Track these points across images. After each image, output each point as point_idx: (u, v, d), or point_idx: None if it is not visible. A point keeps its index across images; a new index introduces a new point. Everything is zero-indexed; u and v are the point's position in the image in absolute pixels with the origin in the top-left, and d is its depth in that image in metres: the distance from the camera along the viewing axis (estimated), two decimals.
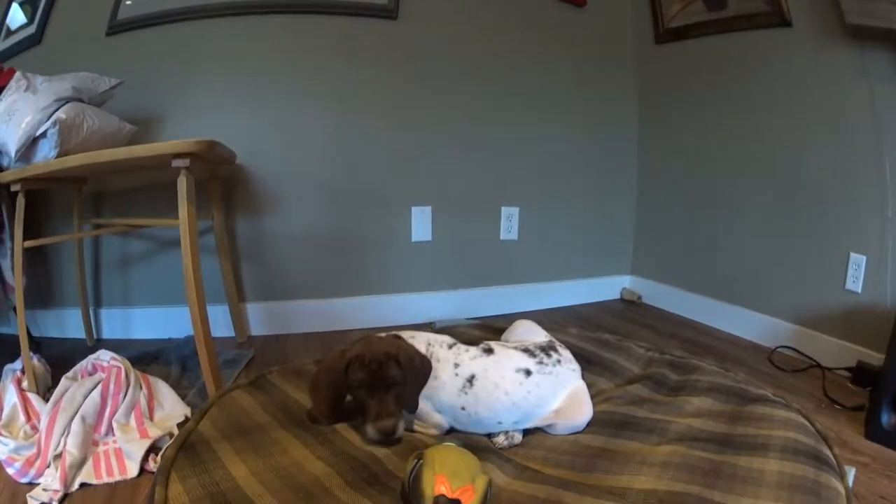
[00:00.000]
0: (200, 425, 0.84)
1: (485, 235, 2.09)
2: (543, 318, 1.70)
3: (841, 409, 1.46)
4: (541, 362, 0.97)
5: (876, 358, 1.44)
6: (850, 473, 1.13)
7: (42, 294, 1.66)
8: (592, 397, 1.01)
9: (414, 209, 1.91)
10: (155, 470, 1.01)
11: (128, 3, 1.57)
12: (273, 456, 0.77)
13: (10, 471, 0.98)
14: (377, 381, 0.88)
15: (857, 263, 1.58)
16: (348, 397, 0.94)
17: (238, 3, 1.62)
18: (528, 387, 0.94)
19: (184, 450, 0.78)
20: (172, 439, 0.93)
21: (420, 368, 0.95)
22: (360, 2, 1.73)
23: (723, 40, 1.97)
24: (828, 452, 0.91)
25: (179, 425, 1.09)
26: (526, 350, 1.00)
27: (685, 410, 1.00)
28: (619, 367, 1.24)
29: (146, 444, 1.00)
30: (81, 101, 1.29)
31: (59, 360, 1.31)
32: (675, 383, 1.15)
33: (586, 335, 1.43)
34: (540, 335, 1.14)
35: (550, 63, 2.08)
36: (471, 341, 1.02)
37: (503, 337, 1.18)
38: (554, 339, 1.09)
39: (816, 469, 0.83)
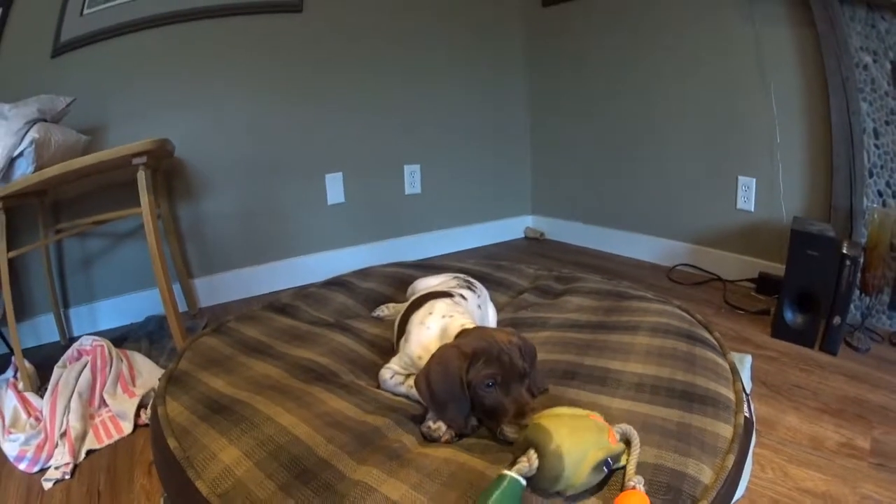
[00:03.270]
0: (180, 364, 1.08)
1: (391, 192, 2.55)
2: (452, 259, 2.03)
3: (744, 313, 1.75)
4: (471, 288, 1.18)
5: (777, 268, 1.73)
6: (746, 360, 1.39)
7: (15, 308, 1.83)
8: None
9: (327, 176, 2.33)
10: (147, 421, 1.23)
11: (71, 23, 1.77)
12: (242, 372, 1.02)
13: (23, 465, 1.15)
14: (509, 374, 0.80)
15: (747, 185, 1.88)
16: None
17: (163, 14, 1.88)
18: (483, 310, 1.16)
19: (171, 381, 1.02)
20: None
21: (534, 350, 0.91)
22: (270, 1, 2.04)
23: None
24: (707, 335, 1.13)
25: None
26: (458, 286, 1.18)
27: (566, 308, 1.27)
28: (511, 283, 1.52)
29: (135, 401, 1.26)
30: (45, 120, 1.50)
31: (42, 363, 1.49)
32: (559, 290, 1.42)
33: (483, 262, 1.74)
34: (440, 279, 1.29)
35: (444, 32, 2.49)
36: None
37: (409, 292, 1.33)
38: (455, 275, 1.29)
39: (690, 344, 1.06)
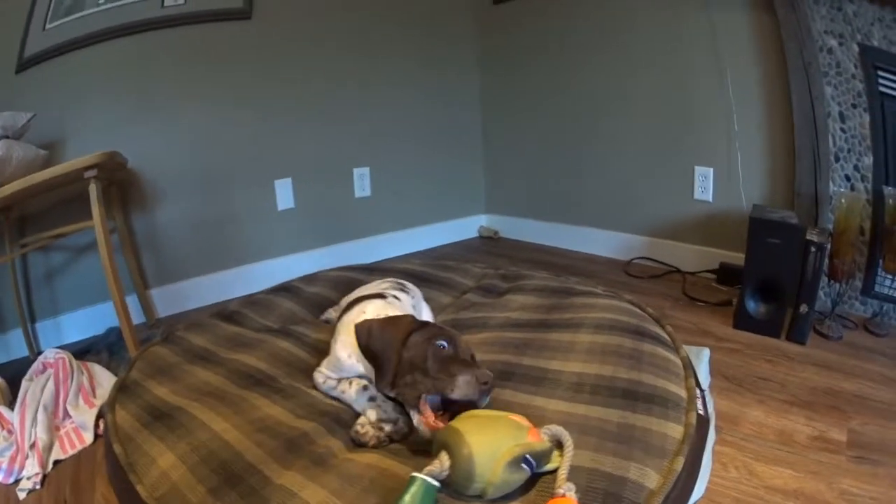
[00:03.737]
0: (130, 374, 1.12)
1: (341, 196, 2.52)
2: (402, 261, 2.03)
3: (704, 305, 1.72)
4: (404, 290, 1.20)
5: (738, 258, 1.70)
6: (704, 353, 1.37)
7: None
8: (433, 310, 1.30)
9: (276, 182, 2.32)
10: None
11: (35, 38, 1.78)
12: (185, 380, 1.05)
13: None
14: (458, 339, 0.84)
15: (704, 175, 1.88)
16: None
17: (113, 27, 1.88)
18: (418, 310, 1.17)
19: (121, 390, 1.06)
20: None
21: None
22: (220, 9, 2.04)
23: None
24: (658, 330, 1.12)
25: None
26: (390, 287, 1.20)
27: (508, 307, 1.27)
28: (456, 283, 1.52)
29: (94, 412, 1.28)
30: (7, 136, 1.52)
31: (14, 378, 1.46)
32: (504, 289, 1.42)
33: (428, 262, 1.75)
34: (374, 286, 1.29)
35: (393, 33, 2.50)
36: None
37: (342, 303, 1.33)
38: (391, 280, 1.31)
39: (637, 341, 1.04)
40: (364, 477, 0.74)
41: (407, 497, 0.66)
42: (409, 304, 1.14)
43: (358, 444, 0.84)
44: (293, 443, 0.82)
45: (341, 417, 0.90)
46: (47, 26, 1.79)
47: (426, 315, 1.23)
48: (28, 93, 1.77)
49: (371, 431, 0.84)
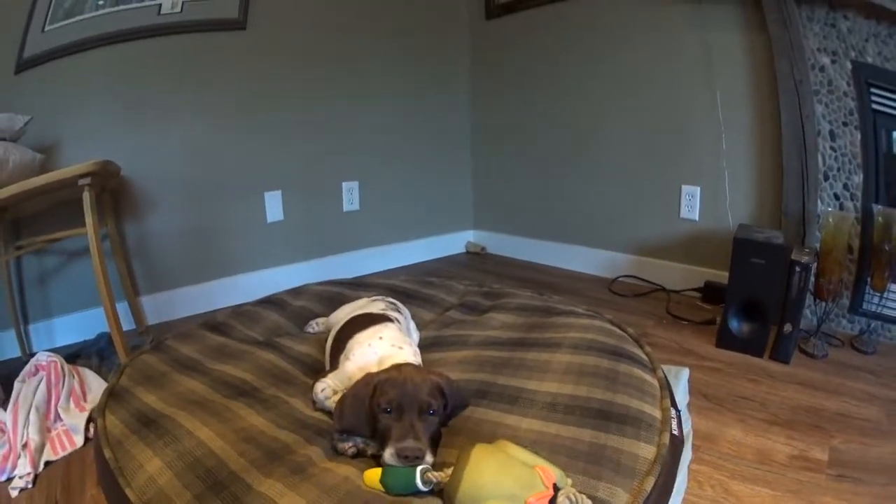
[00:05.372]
0: (120, 380, 1.16)
1: (330, 209, 2.59)
2: (387, 276, 2.11)
3: (688, 323, 1.75)
4: (398, 310, 1.23)
5: (723, 277, 1.73)
6: (683, 374, 1.39)
7: None
8: (417, 327, 1.32)
9: (266, 194, 2.39)
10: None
11: (34, 39, 1.82)
12: (173, 388, 1.10)
13: None
14: (409, 401, 0.83)
15: (691, 194, 1.91)
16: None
17: (111, 33, 1.93)
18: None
19: (111, 396, 1.10)
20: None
21: (463, 398, 0.95)
22: (215, 19, 2.10)
23: (553, 7, 2.31)
24: (637, 351, 1.15)
25: None
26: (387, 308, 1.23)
27: (489, 325, 1.31)
28: (439, 300, 1.56)
29: (85, 415, 1.35)
30: (4, 139, 1.57)
31: (7, 378, 1.50)
32: (486, 307, 1.46)
33: (412, 278, 1.78)
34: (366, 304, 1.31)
35: (386, 49, 2.57)
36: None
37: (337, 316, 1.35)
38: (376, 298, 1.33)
39: (614, 361, 1.07)
40: (341, 488, 0.77)
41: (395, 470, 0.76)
42: (406, 325, 1.18)
43: (338, 453, 0.88)
44: (274, 452, 0.86)
45: (322, 429, 0.94)
46: (46, 28, 1.84)
47: (414, 335, 1.26)
48: (26, 94, 1.82)
49: (350, 441, 0.88)
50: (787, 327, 1.51)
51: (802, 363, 1.51)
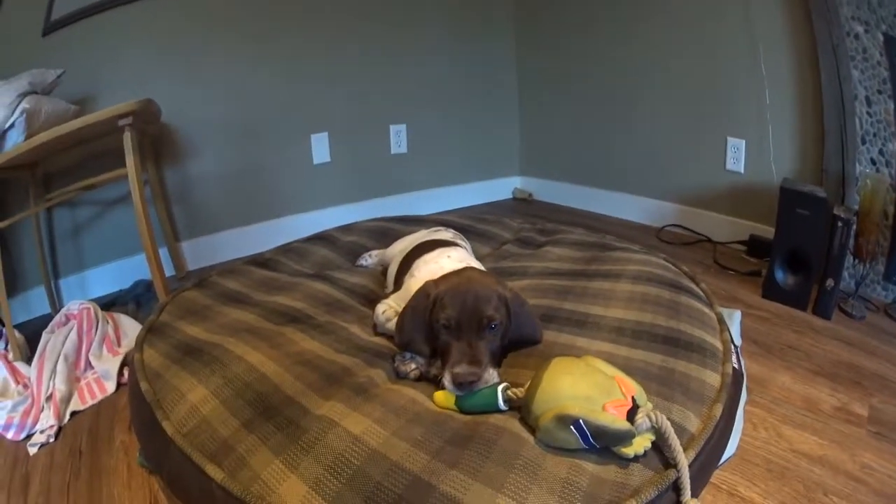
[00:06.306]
0: (160, 317, 1.08)
1: (377, 152, 2.53)
2: (441, 215, 2.02)
3: (734, 273, 1.72)
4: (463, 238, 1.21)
5: (768, 231, 1.70)
6: (735, 315, 1.35)
7: (6, 283, 1.84)
8: None
9: (313, 136, 2.33)
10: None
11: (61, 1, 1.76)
12: (219, 319, 1.02)
13: (9, 434, 1.16)
14: (468, 317, 0.77)
15: (737, 147, 1.87)
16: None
17: None
18: None
19: (150, 331, 1.02)
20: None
21: (533, 326, 0.87)
22: None
23: None
24: (692, 285, 1.12)
25: None
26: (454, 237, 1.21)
27: (547, 258, 1.27)
28: (495, 234, 1.52)
29: (118, 360, 1.27)
30: (36, 92, 1.51)
31: (33, 335, 1.46)
32: (541, 242, 1.41)
33: (466, 215, 1.74)
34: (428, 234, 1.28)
35: None
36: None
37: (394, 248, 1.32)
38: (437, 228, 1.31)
39: (674, 293, 1.03)
40: (409, 410, 0.72)
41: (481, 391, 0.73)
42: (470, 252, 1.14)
43: (400, 377, 0.82)
44: (334, 376, 0.80)
45: (383, 353, 0.88)
46: None
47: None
48: (56, 54, 1.75)
49: (414, 364, 0.82)
50: (830, 282, 1.47)
51: (842, 321, 1.48)
